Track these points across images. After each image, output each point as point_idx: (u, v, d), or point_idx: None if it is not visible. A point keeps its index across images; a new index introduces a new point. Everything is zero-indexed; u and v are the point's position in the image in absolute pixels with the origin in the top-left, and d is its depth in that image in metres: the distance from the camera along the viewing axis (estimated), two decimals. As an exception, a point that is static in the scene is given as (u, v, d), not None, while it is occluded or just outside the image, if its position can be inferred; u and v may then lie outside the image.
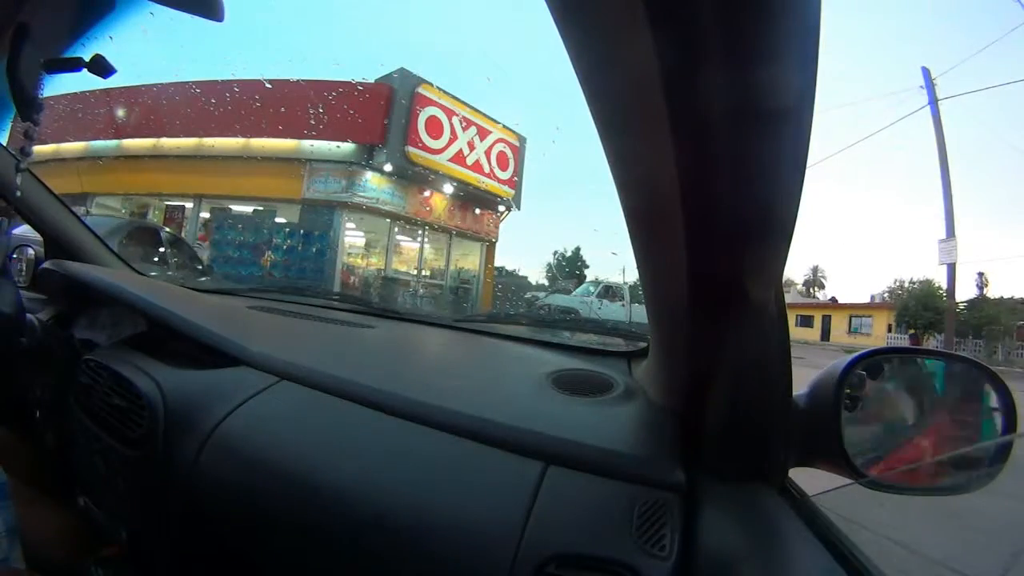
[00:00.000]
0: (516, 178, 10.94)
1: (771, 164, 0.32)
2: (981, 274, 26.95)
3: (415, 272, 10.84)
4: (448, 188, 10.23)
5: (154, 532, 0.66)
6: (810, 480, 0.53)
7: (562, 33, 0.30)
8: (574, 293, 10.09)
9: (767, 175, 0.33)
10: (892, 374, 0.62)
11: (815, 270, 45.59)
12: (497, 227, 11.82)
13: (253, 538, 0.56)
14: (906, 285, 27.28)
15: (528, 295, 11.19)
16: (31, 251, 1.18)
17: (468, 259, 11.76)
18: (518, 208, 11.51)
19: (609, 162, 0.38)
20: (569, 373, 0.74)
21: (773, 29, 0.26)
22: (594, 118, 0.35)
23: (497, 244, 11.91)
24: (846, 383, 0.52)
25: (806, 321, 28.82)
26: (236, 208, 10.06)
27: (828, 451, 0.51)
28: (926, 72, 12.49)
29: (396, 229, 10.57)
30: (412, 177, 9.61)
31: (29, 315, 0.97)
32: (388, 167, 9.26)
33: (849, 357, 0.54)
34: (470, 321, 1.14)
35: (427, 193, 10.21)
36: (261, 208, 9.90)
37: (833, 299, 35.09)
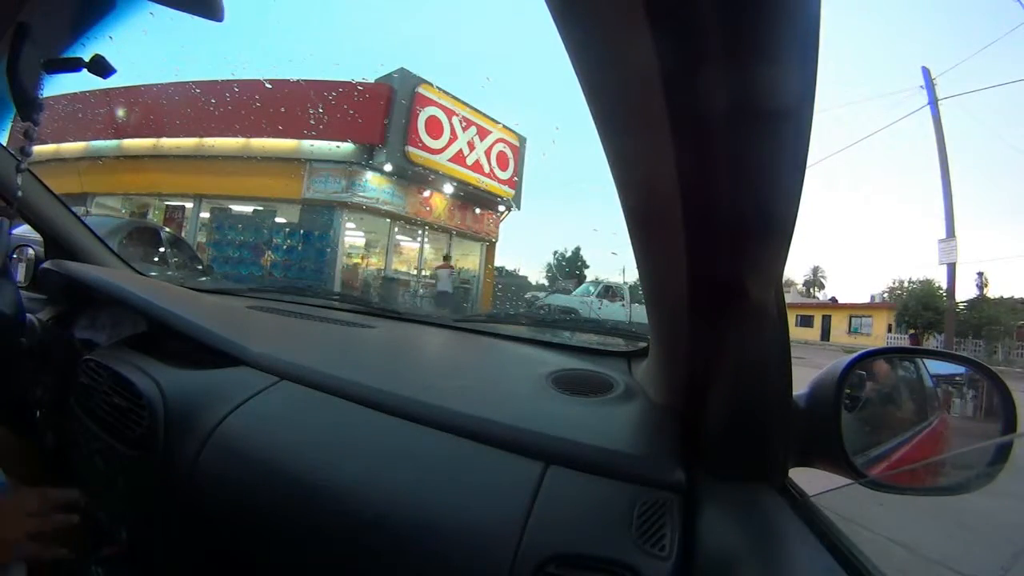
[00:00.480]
0: (516, 178, 10.97)
1: (771, 164, 0.32)
2: (981, 274, 27.00)
3: (415, 272, 10.86)
4: (448, 188, 10.26)
5: (154, 532, 0.66)
6: (810, 480, 0.53)
7: (562, 33, 0.30)
8: (574, 293, 10.12)
9: (767, 175, 0.33)
10: (892, 374, 0.62)
11: (815, 270, 45.62)
12: (497, 227, 11.84)
13: (253, 538, 0.56)
14: (906, 285, 27.31)
15: (528, 295, 11.25)
16: (31, 251, 1.18)
17: (468, 259, 11.77)
18: (518, 208, 11.54)
19: (609, 162, 0.38)
20: (569, 373, 0.74)
21: (773, 29, 0.26)
22: (594, 118, 0.35)
23: (497, 244, 11.93)
24: (846, 383, 0.52)
25: (806, 321, 28.84)
26: (236, 208, 10.07)
27: (828, 451, 0.51)
28: (926, 72, 12.51)
29: (396, 229, 10.60)
30: (412, 177, 9.63)
31: (29, 315, 0.97)
32: (388, 167, 9.29)
33: (849, 357, 0.54)
34: (470, 321, 1.14)
35: (427, 193, 10.24)
36: (261, 208, 9.90)
37: (833, 299, 35.11)
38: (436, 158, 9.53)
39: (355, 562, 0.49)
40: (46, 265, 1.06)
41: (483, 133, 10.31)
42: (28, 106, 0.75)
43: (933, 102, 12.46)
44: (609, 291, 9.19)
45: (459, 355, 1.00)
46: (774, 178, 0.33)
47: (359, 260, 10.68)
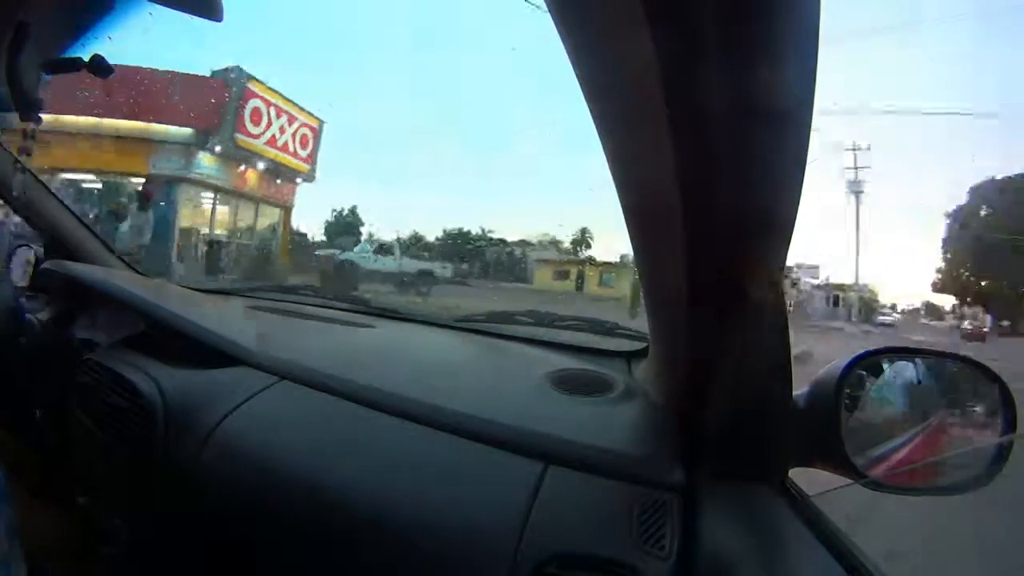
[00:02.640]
0: (313, 155, 12.90)
1: (771, 164, 0.32)
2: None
3: (229, 234, 12.48)
4: (260, 164, 11.98)
5: (154, 532, 0.66)
6: (810, 480, 0.53)
7: (561, 32, 0.30)
8: (355, 250, 11.86)
9: (767, 175, 0.33)
10: (892, 374, 0.62)
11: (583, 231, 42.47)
12: (293, 195, 13.61)
13: (253, 537, 0.56)
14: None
15: (318, 252, 13.18)
16: (31, 251, 1.18)
17: (269, 221, 13.47)
18: (312, 181, 13.34)
19: (609, 161, 0.38)
20: (569, 373, 0.73)
21: (773, 28, 0.26)
22: (594, 117, 0.35)
23: (294, 210, 13.77)
24: (846, 383, 0.52)
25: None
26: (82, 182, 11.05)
27: (828, 451, 0.51)
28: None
29: (218, 199, 12.06)
30: (235, 156, 11.26)
31: (29, 315, 0.97)
32: (219, 149, 10.94)
33: (849, 357, 0.54)
34: (470, 321, 1.14)
35: (242, 168, 11.90)
36: (111, 181, 10.99)
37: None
38: (256, 142, 11.39)
39: (355, 561, 0.49)
40: (46, 265, 1.06)
41: (291, 120, 12.22)
42: (28, 106, 0.75)
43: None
44: (383, 248, 11.45)
45: (459, 355, 1.00)
46: (774, 177, 0.33)
47: (189, 227, 12.09)
